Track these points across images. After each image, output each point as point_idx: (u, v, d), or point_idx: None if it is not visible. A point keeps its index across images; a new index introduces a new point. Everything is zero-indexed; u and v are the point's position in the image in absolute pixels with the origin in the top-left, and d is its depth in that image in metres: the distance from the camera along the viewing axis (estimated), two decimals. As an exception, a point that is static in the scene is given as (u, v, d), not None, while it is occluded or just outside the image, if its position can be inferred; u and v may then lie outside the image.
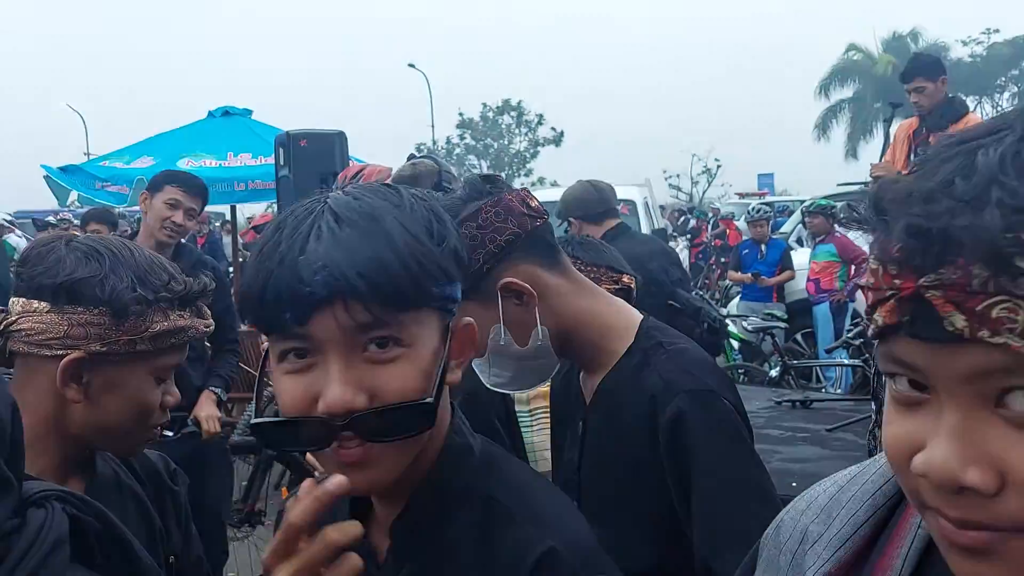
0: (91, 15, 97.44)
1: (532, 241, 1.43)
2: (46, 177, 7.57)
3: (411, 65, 43.98)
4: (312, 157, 5.34)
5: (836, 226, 8.12)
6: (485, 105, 47.07)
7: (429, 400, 0.89)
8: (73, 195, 7.79)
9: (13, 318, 1.25)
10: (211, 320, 1.41)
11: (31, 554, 0.73)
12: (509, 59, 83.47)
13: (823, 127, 39.87)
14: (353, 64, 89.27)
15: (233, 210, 8.64)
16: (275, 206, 12.81)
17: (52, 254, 1.29)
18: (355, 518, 0.99)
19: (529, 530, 0.93)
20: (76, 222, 8.84)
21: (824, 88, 39.43)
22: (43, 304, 1.25)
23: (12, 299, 1.28)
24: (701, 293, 7.93)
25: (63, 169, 7.59)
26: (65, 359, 1.24)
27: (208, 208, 10.73)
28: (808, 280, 8.51)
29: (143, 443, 1.39)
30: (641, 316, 1.54)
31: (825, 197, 9.57)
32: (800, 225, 10.93)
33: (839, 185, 12.59)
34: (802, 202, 13.13)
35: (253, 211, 14.90)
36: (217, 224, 12.02)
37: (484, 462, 1.01)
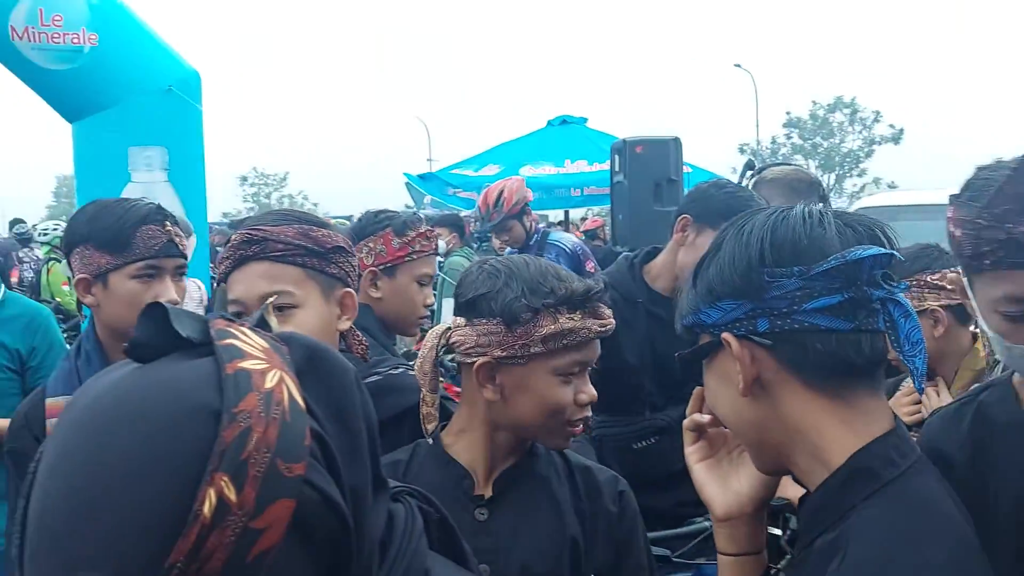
0: (431, 32, 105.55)
1: None
2: (407, 184, 8.44)
3: (737, 65, 43.21)
4: (647, 163, 5.48)
5: None
6: (815, 102, 45.10)
7: None
8: (427, 199, 8.60)
9: (450, 334, 1.51)
10: (610, 320, 1.52)
11: (405, 546, 0.79)
12: (841, 53, 79.04)
13: None
14: (679, 67, 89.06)
15: (566, 215, 9.08)
16: (597, 210, 13.24)
17: (469, 276, 1.53)
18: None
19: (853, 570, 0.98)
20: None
21: None
22: (462, 319, 1.50)
23: (453, 317, 1.53)
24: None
25: (421, 177, 8.41)
26: (476, 364, 1.47)
27: (544, 212, 11.35)
28: None
29: (566, 437, 1.53)
30: None
31: None
32: None
33: None
34: None
35: (575, 215, 15.44)
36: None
37: (887, 493, 1.05)
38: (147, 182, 5.31)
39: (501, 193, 4.73)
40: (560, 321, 1.46)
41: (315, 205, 50.66)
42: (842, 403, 1.04)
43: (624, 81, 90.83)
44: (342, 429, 0.69)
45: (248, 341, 0.67)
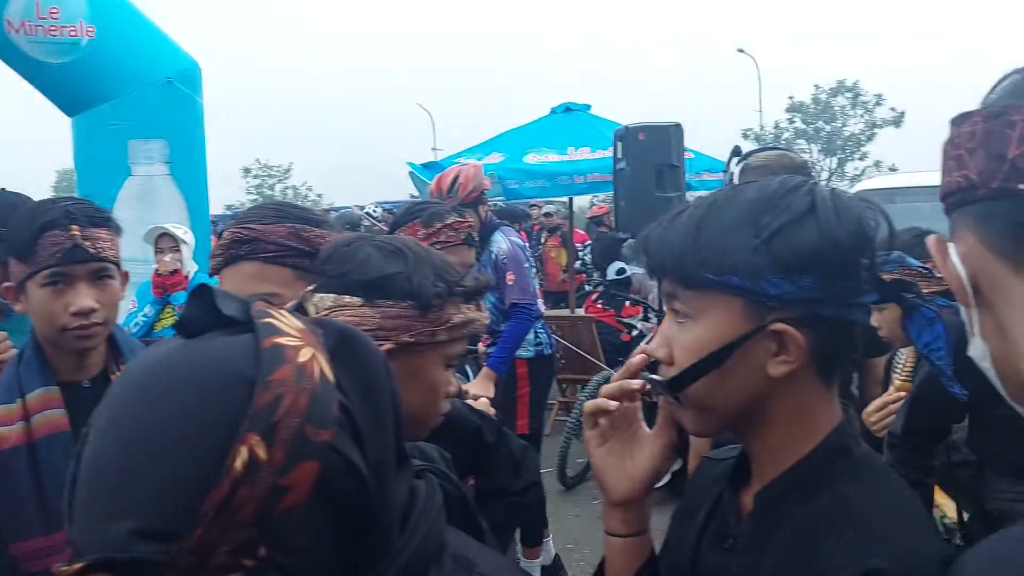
0: (438, 19, 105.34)
1: None
2: (411, 173, 8.41)
3: (740, 50, 43.06)
4: (649, 149, 5.47)
5: None
6: (817, 87, 44.94)
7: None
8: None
9: (325, 312, 1.35)
10: (487, 315, 1.50)
11: (425, 516, 0.83)
12: (846, 38, 78.87)
13: None
14: (681, 52, 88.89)
15: (570, 202, 9.05)
16: (602, 197, 13.23)
17: (360, 252, 1.38)
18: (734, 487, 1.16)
19: (864, 542, 0.96)
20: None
21: None
22: (356, 299, 1.36)
23: (318, 295, 1.36)
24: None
25: (425, 166, 8.38)
26: None
27: (550, 199, 11.30)
28: None
29: (426, 430, 1.44)
30: None
31: None
32: None
33: None
34: None
35: (582, 203, 15.44)
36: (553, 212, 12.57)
37: (861, 467, 1.06)
38: (147, 175, 5.29)
39: (456, 179, 4.37)
40: (463, 310, 1.41)
41: (319, 196, 50.72)
42: (829, 388, 1.07)
43: (627, 68, 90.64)
44: (369, 405, 0.74)
45: (285, 322, 0.74)
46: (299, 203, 1.83)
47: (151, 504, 0.64)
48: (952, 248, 0.81)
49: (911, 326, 1.04)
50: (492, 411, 2.20)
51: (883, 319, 2.51)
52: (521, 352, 4.50)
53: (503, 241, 4.44)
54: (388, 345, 1.32)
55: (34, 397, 1.78)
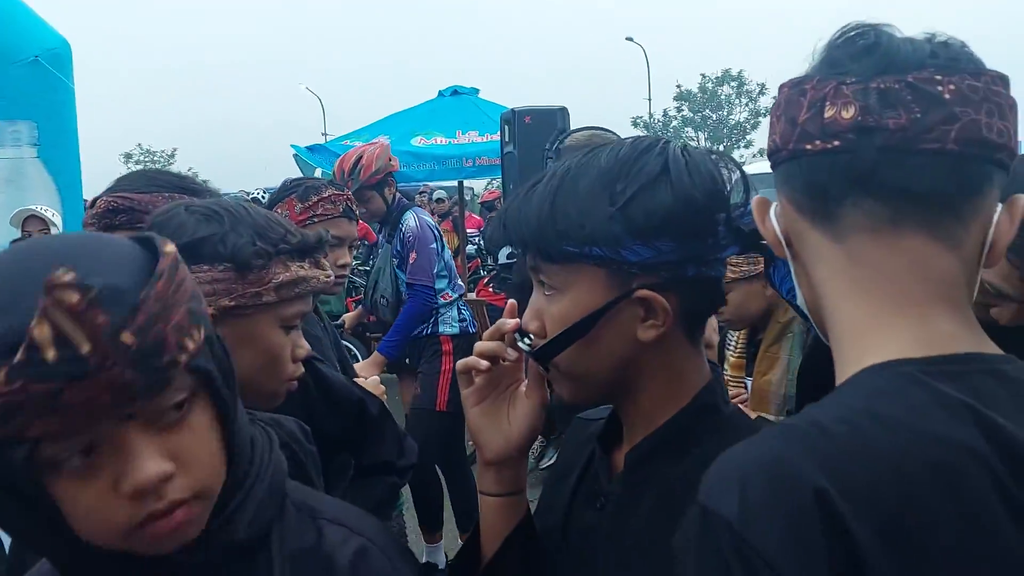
0: (325, 4, 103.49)
1: None
2: (295, 156, 8.27)
3: (629, 39, 43.71)
4: (536, 133, 5.50)
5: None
6: (704, 76, 46.05)
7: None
8: (317, 172, 8.45)
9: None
10: (330, 271, 1.46)
11: (266, 446, 0.89)
12: (729, 28, 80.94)
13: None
14: (572, 39, 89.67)
15: (460, 185, 9.05)
16: (497, 182, 13.27)
17: (174, 219, 1.33)
18: (605, 447, 1.16)
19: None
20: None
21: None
22: None
23: None
24: None
25: (310, 148, 8.26)
26: None
27: (438, 184, 11.27)
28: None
29: (277, 397, 1.40)
30: None
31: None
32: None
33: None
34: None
35: (472, 185, 15.38)
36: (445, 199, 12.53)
37: (729, 425, 1.06)
38: (14, 158, 5.06)
39: (359, 160, 4.23)
40: (292, 269, 1.37)
41: (205, 182, 49.02)
42: (697, 345, 1.08)
43: (517, 53, 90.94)
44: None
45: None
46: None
47: None
48: (772, 207, 0.88)
49: (775, 273, 1.05)
50: (381, 390, 2.20)
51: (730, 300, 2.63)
52: (446, 328, 4.44)
53: (411, 219, 4.36)
54: (209, 311, 1.25)
55: None
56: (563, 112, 5.64)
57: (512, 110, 5.69)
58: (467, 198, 9.54)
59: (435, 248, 4.40)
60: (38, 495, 0.77)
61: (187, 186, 1.61)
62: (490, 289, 7.88)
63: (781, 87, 0.85)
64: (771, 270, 1.06)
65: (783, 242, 0.86)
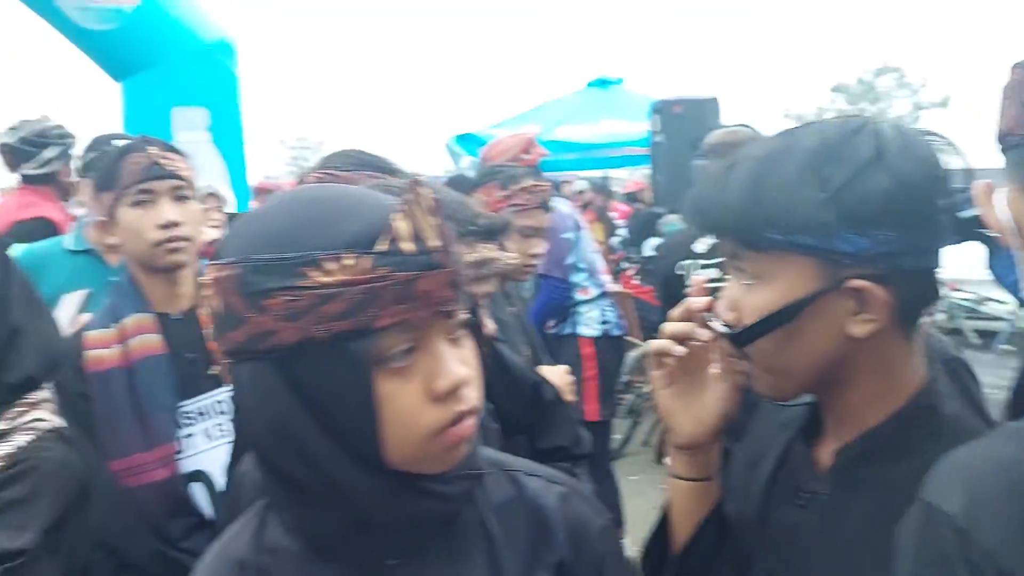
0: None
1: None
2: (447, 145, 8.47)
3: (784, 31, 42.39)
4: (686, 123, 5.46)
5: None
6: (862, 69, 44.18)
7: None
8: (466, 160, 8.63)
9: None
10: (516, 256, 1.54)
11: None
12: (890, 19, 77.26)
13: None
14: (724, 29, 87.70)
15: (605, 175, 9.05)
16: (647, 172, 13.16)
17: None
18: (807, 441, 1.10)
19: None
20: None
21: None
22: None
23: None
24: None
25: (462, 137, 8.43)
26: None
27: (584, 173, 11.31)
28: None
29: None
30: None
31: None
32: None
33: None
34: None
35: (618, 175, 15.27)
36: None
37: (950, 429, 0.97)
38: (191, 141, 5.40)
39: (493, 150, 3.93)
40: (478, 249, 1.50)
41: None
42: (912, 341, 1.01)
43: (666, 43, 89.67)
44: None
45: None
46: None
47: None
48: (999, 193, 0.81)
49: (997, 264, 0.95)
50: (568, 379, 2.22)
51: None
52: (585, 331, 4.15)
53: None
54: None
55: (130, 322, 1.87)
56: (713, 102, 5.59)
57: (663, 100, 5.67)
58: (612, 189, 9.50)
59: (569, 238, 4.13)
60: (365, 393, 0.80)
61: (386, 166, 1.69)
62: (635, 282, 7.83)
63: (1014, 67, 0.78)
64: (992, 260, 0.96)
65: (1015, 231, 0.79)
